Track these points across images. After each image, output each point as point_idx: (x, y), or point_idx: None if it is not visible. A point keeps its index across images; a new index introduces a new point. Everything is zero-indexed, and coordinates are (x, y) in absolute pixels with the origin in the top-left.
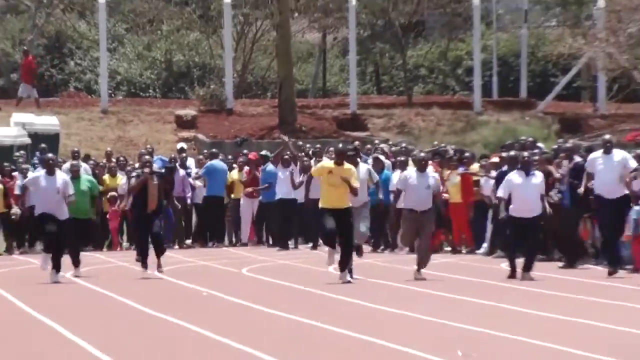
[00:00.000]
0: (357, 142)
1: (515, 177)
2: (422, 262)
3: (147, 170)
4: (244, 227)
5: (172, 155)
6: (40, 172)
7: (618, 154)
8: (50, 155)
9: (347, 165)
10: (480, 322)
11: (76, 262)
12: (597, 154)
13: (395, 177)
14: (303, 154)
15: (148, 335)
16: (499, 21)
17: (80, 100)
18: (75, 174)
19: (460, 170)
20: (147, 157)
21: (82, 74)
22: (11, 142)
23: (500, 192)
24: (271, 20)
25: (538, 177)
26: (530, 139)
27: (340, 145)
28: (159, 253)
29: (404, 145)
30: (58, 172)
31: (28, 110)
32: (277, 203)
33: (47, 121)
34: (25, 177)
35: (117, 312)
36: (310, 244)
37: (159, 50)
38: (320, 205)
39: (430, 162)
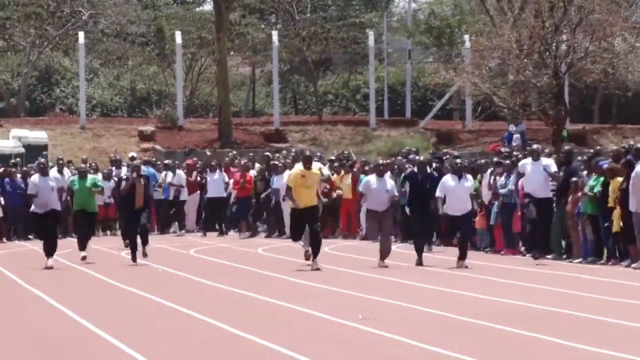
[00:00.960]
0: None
1: (449, 180)
2: (383, 252)
3: (135, 174)
4: (190, 217)
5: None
6: (35, 176)
7: (544, 161)
8: (43, 160)
9: (314, 169)
10: (383, 294)
11: (83, 247)
12: (527, 160)
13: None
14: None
15: (118, 303)
16: (389, 58)
17: (64, 119)
18: (82, 175)
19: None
20: (136, 162)
21: (65, 98)
22: (9, 151)
23: (438, 193)
24: (212, 57)
25: (469, 180)
26: (414, 148)
27: (308, 152)
28: (145, 243)
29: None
30: (50, 172)
31: (23, 127)
32: (209, 200)
33: (38, 135)
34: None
35: (102, 287)
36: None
37: (125, 80)
38: (289, 206)
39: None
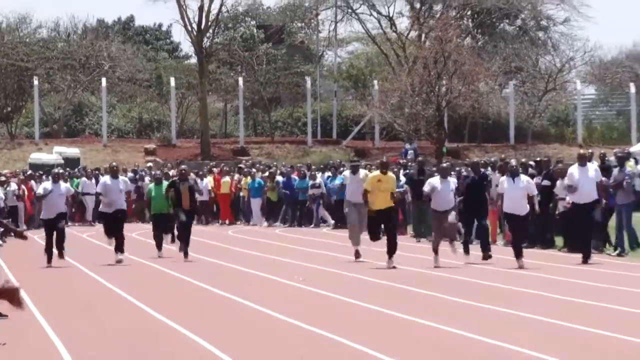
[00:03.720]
0: (357, 158)
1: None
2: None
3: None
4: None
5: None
6: (106, 177)
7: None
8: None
9: (390, 174)
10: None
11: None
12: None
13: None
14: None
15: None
16: (321, 96)
17: (91, 139)
18: (158, 182)
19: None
20: (183, 166)
21: (92, 125)
22: (53, 162)
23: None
24: (196, 96)
25: (523, 181)
26: (338, 160)
27: (384, 158)
28: (186, 242)
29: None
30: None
31: (62, 145)
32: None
33: (72, 151)
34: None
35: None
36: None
37: (135, 112)
38: (369, 207)
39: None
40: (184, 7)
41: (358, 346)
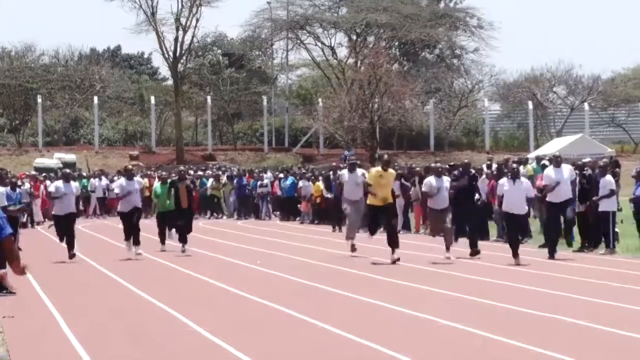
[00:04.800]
0: (353, 156)
1: (505, 182)
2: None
3: (179, 180)
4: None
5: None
6: (122, 179)
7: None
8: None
9: (390, 170)
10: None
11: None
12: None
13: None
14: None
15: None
16: (275, 112)
17: (85, 147)
18: (163, 181)
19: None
20: (182, 168)
21: (86, 135)
22: (54, 166)
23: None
24: (172, 112)
25: (524, 183)
26: (290, 165)
27: (385, 156)
28: (184, 240)
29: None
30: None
31: (61, 152)
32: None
33: (70, 157)
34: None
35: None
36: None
37: (122, 124)
38: (368, 202)
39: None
40: (162, 38)
41: (354, 337)
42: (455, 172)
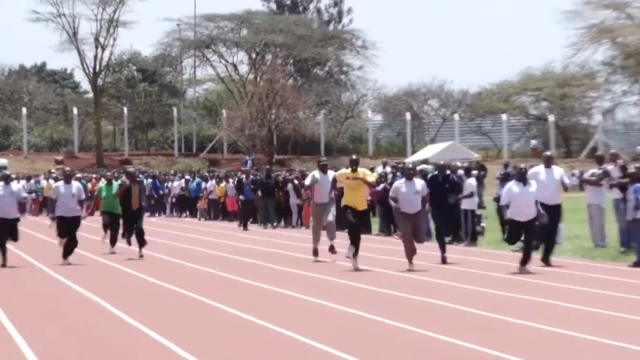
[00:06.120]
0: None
1: (514, 186)
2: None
3: (128, 180)
4: None
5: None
6: (60, 182)
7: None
8: (68, 169)
9: (360, 170)
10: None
11: (114, 242)
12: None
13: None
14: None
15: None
16: (184, 121)
17: (15, 152)
18: (109, 182)
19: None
20: (131, 169)
21: (16, 142)
22: None
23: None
24: (93, 121)
25: (533, 186)
26: (197, 168)
27: (354, 156)
28: (142, 244)
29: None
30: (73, 181)
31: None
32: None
33: (2, 161)
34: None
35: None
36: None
37: (48, 132)
38: (342, 203)
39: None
40: (83, 56)
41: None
42: (430, 175)
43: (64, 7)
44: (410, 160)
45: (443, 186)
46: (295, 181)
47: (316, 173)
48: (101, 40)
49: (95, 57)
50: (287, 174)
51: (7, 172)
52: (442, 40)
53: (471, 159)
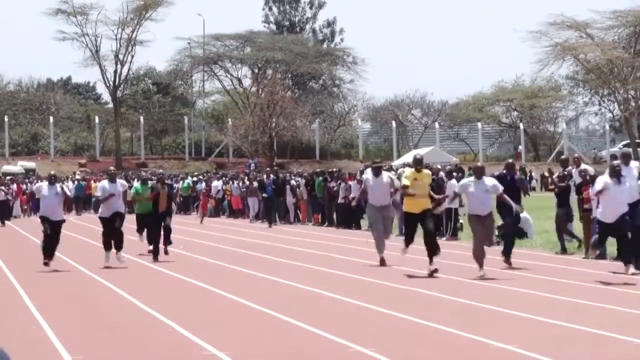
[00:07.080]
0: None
1: (607, 180)
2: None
3: (159, 184)
4: None
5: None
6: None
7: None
8: (112, 169)
9: (425, 171)
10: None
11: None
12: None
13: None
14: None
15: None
16: (194, 128)
17: (43, 157)
18: (144, 182)
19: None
20: (159, 171)
21: (44, 147)
22: (17, 171)
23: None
24: (113, 129)
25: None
26: (207, 170)
27: (418, 155)
28: (167, 242)
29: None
30: (118, 180)
31: (23, 160)
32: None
33: (31, 164)
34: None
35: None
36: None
37: (72, 139)
38: (405, 209)
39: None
40: (104, 71)
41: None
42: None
43: (87, 27)
44: (395, 163)
45: (513, 186)
46: (293, 182)
47: (368, 174)
48: (120, 57)
49: (115, 72)
50: (288, 175)
51: (53, 172)
52: (424, 57)
53: (450, 162)
